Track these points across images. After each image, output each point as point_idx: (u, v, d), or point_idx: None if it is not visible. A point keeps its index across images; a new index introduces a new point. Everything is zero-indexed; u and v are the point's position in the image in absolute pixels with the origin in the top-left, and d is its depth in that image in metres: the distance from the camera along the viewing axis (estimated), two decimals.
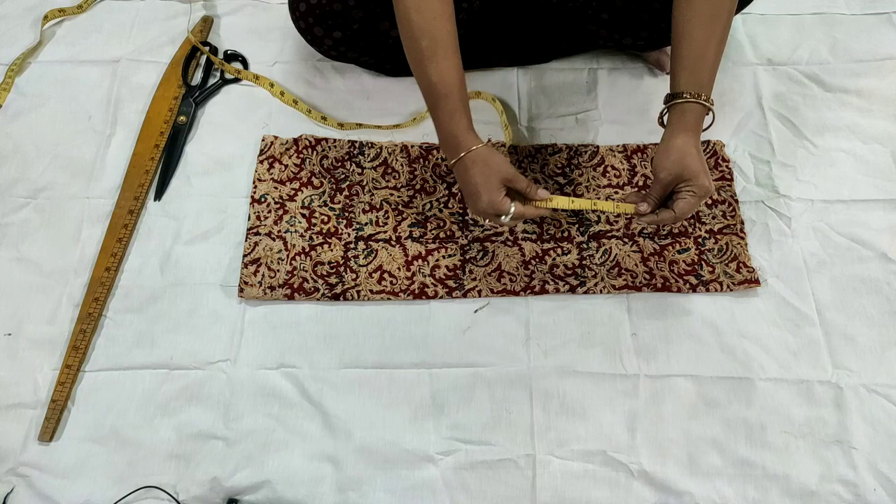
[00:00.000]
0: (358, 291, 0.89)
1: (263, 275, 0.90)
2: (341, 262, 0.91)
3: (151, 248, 0.93)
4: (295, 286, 0.89)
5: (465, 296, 0.90)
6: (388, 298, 0.89)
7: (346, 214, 0.95)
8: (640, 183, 0.97)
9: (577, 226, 0.94)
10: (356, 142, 1.00)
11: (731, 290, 0.89)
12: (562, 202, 0.81)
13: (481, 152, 0.76)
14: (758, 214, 0.95)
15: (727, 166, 0.98)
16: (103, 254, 0.92)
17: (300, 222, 0.94)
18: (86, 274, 0.91)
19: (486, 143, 0.78)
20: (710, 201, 0.96)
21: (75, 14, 1.12)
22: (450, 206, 0.95)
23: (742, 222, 0.94)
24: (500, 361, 0.86)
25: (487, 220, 0.80)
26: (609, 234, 0.93)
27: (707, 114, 0.76)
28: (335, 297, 0.89)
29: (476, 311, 0.89)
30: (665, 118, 0.79)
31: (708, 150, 0.99)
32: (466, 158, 0.76)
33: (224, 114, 1.05)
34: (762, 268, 0.91)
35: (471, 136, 0.77)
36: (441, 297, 0.89)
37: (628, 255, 0.91)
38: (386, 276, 0.90)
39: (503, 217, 0.77)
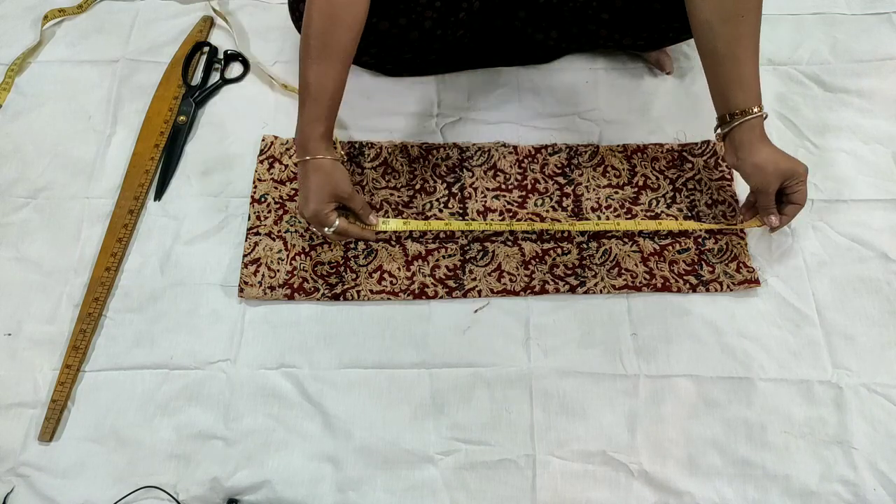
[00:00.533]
0: (358, 291, 0.89)
1: (263, 275, 0.90)
2: (341, 262, 0.91)
3: (151, 248, 0.93)
4: (295, 286, 0.89)
5: (465, 296, 0.90)
6: (388, 298, 0.89)
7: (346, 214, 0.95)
8: (640, 183, 0.97)
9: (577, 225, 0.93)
10: (356, 142, 1.00)
11: (731, 290, 0.89)
12: (393, 226, 0.88)
13: (325, 163, 0.79)
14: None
15: (727, 166, 0.98)
16: (103, 254, 0.92)
17: (300, 222, 0.94)
18: (86, 274, 0.91)
19: (335, 157, 0.80)
20: (710, 200, 0.96)
21: (75, 14, 1.12)
22: (450, 206, 0.95)
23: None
24: (500, 361, 0.86)
25: (312, 227, 0.84)
26: (609, 234, 0.93)
27: (765, 118, 0.80)
28: (335, 297, 0.89)
29: (476, 311, 0.89)
30: (724, 133, 0.83)
31: (708, 150, 0.99)
32: (310, 164, 0.79)
33: (224, 114, 1.05)
34: (762, 268, 0.91)
35: (321, 145, 0.79)
36: (441, 297, 0.89)
37: (628, 255, 0.91)
38: (386, 276, 0.90)
39: (326, 228, 0.81)
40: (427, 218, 0.94)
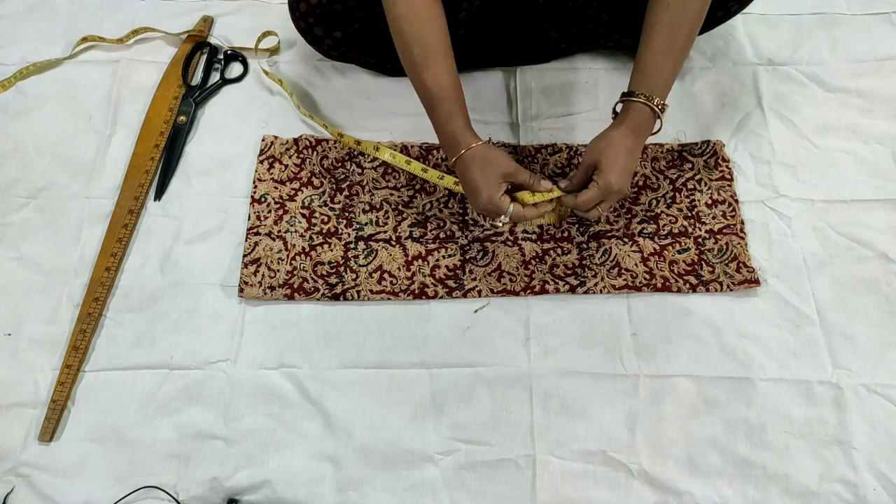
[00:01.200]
0: (358, 291, 0.89)
1: (263, 275, 0.90)
2: (341, 262, 0.91)
3: (151, 248, 0.93)
4: (295, 286, 0.89)
5: (465, 296, 0.90)
6: (388, 298, 0.89)
7: (347, 214, 0.95)
8: (640, 183, 0.97)
9: (576, 226, 0.93)
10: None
11: (731, 290, 0.89)
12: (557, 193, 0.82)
13: (479, 150, 0.77)
14: (758, 214, 0.95)
15: (727, 166, 0.98)
16: (103, 254, 0.92)
17: (300, 222, 0.94)
18: (86, 274, 0.91)
19: (485, 141, 0.79)
20: (710, 200, 0.95)
21: (112, 44, 1.10)
22: (450, 206, 0.95)
23: (742, 222, 0.94)
24: (500, 361, 0.86)
25: (489, 220, 0.80)
26: (609, 234, 0.93)
27: (656, 119, 0.78)
28: (335, 297, 0.89)
29: (476, 311, 0.89)
30: (614, 108, 0.81)
31: (708, 150, 0.99)
32: (466, 156, 0.77)
33: (224, 114, 1.05)
34: (762, 268, 0.91)
35: (468, 135, 0.78)
36: (441, 297, 0.89)
37: (628, 255, 0.91)
38: (386, 276, 0.90)
39: (502, 217, 0.78)
40: (427, 219, 0.94)
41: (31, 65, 1.07)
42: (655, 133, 0.81)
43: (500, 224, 0.80)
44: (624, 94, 0.80)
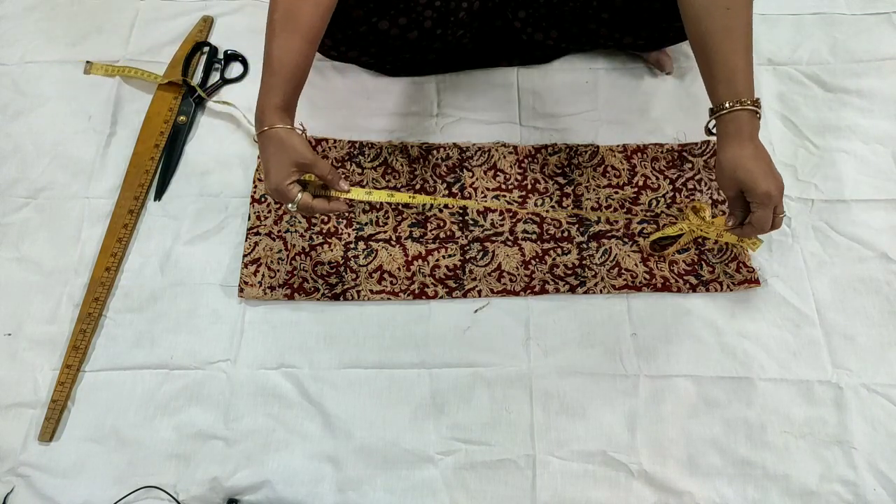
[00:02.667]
0: (358, 291, 0.89)
1: (263, 275, 0.90)
2: (341, 262, 0.91)
3: (151, 248, 0.93)
4: (295, 286, 0.89)
5: (465, 296, 0.90)
6: (388, 298, 0.89)
7: (347, 214, 0.95)
8: (640, 183, 0.97)
9: (576, 226, 0.93)
10: (356, 142, 1.00)
11: (731, 290, 0.89)
12: (359, 194, 0.80)
13: (280, 132, 0.74)
14: None
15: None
16: (103, 254, 0.92)
17: (300, 222, 0.94)
18: (86, 274, 0.91)
19: (293, 127, 0.76)
20: (710, 200, 0.95)
21: (110, 74, 1.07)
22: (450, 206, 0.95)
23: None
24: (500, 361, 0.86)
25: (278, 203, 0.77)
26: (609, 234, 0.93)
27: (757, 116, 0.75)
28: (335, 297, 0.89)
29: (476, 311, 0.89)
30: (710, 128, 0.79)
31: (708, 150, 0.99)
32: (266, 135, 0.74)
33: (224, 114, 1.05)
34: (762, 268, 0.91)
35: (276, 115, 0.74)
36: (441, 297, 0.89)
37: (628, 255, 0.91)
38: (386, 276, 0.90)
39: (289, 204, 0.75)
40: (427, 219, 0.94)
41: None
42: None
43: (291, 209, 0.76)
44: (715, 109, 0.77)
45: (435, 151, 1.00)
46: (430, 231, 0.93)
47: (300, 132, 0.76)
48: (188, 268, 0.92)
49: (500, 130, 1.02)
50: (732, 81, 0.75)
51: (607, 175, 0.98)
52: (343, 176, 0.78)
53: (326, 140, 1.00)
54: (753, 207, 0.74)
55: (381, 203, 0.95)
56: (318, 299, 0.89)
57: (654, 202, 0.96)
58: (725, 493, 0.79)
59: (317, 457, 0.81)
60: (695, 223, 0.88)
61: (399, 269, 0.91)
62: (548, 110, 1.05)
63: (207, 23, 1.13)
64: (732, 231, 0.79)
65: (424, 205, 0.95)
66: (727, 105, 0.74)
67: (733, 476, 0.80)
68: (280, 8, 0.75)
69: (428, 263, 0.91)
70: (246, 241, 0.92)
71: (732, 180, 0.75)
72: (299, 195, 0.75)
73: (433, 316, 0.89)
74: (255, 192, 0.96)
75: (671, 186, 0.97)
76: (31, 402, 0.84)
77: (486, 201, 0.94)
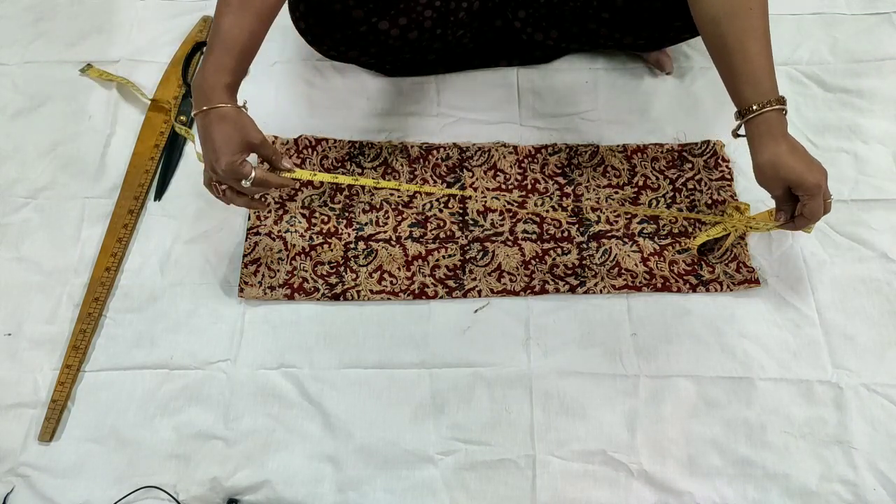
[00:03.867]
0: (358, 291, 0.89)
1: (263, 275, 0.90)
2: (341, 262, 0.91)
3: (151, 248, 0.93)
4: (295, 286, 0.89)
5: (465, 296, 0.90)
6: (388, 298, 0.89)
7: (346, 214, 0.95)
8: (640, 183, 0.97)
9: (577, 226, 0.93)
10: (356, 142, 1.00)
11: (731, 290, 0.89)
12: (304, 175, 0.79)
13: (230, 111, 0.73)
14: None
15: (727, 166, 0.98)
16: (103, 254, 0.92)
17: (300, 222, 0.94)
18: (86, 274, 0.91)
19: (240, 105, 0.75)
20: (710, 200, 0.95)
21: (107, 79, 1.07)
22: (450, 206, 0.95)
23: None
24: (500, 361, 0.86)
25: (225, 183, 0.75)
26: (609, 234, 0.93)
27: (784, 113, 0.75)
28: (335, 297, 0.89)
29: (476, 311, 0.89)
30: (741, 132, 0.78)
31: (708, 150, 0.99)
32: (213, 114, 0.72)
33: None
34: (762, 268, 0.91)
35: (225, 94, 0.73)
36: (441, 297, 0.89)
37: (628, 255, 0.91)
38: (386, 276, 0.90)
39: (244, 181, 0.73)
40: (427, 219, 0.94)
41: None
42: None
43: (245, 184, 0.73)
44: (742, 113, 0.76)
45: (435, 151, 1.00)
46: (430, 231, 0.93)
47: (245, 111, 0.74)
48: (188, 268, 0.92)
49: (500, 130, 1.02)
50: (760, 82, 0.75)
51: (607, 175, 0.98)
52: (285, 156, 0.76)
53: (326, 140, 1.00)
54: (804, 200, 0.75)
55: (382, 203, 0.95)
56: (318, 299, 0.89)
57: (654, 202, 0.96)
58: (725, 493, 0.79)
59: (317, 457, 0.81)
60: (742, 222, 0.88)
61: (399, 269, 0.91)
62: (548, 110, 1.05)
63: (207, 23, 1.13)
64: (785, 227, 0.80)
65: (426, 205, 0.95)
66: (755, 107, 0.74)
67: (733, 476, 0.80)
68: None
69: (428, 263, 0.91)
70: (246, 241, 0.92)
71: (777, 180, 0.75)
72: (253, 172, 0.73)
73: (433, 316, 0.89)
74: None
75: (671, 186, 0.97)
76: (31, 402, 0.84)
77: (438, 189, 0.94)
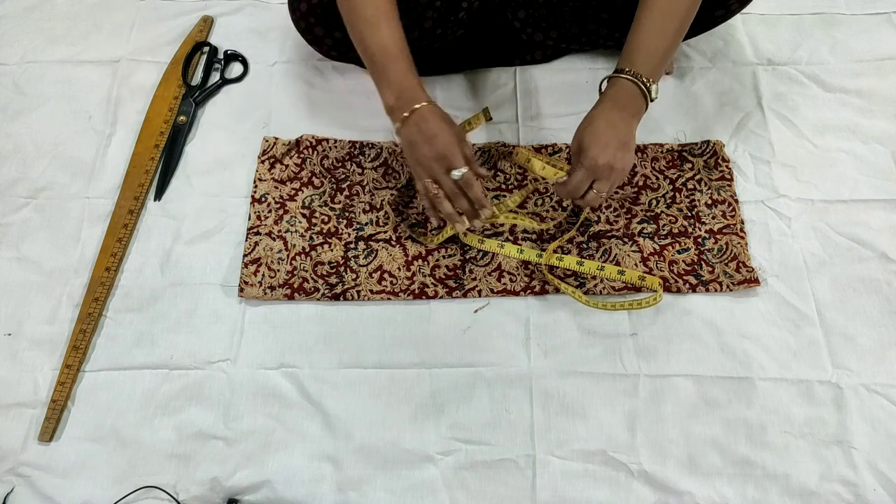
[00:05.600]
0: (358, 291, 0.89)
1: (263, 275, 0.90)
2: (341, 262, 0.91)
3: (151, 248, 0.93)
4: (295, 286, 0.89)
5: (465, 296, 0.90)
6: (388, 298, 0.89)
7: (347, 214, 0.95)
8: (640, 183, 0.97)
9: (577, 225, 0.93)
10: (357, 142, 1.00)
11: (731, 290, 0.89)
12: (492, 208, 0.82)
13: (437, 109, 0.75)
14: (758, 214, 0.95)
15: (727, 166, 0.98)
16: (103, 254, 0.92)
17: (300, 222, 0.94)
18: (86, 274, 0.91)
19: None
20: (710, 200, 0.95)
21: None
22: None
23: (742, 222, 0.94)
24: (500, 361, 0.86)
25: (428, 183, 0.76)
26: (609, 234, 0.93)
27: (646, 100, 0.76)
28: (335, 297, 0.89)
29: (476, 311, 0.89)
30: (600, 86, 0.80)
31: (708, 150, 0.99)
32: (422, 110, 0.74)
33: (224, 114, 1.05)
34: (762, 268, 0.91)
35: (423, 93, 0.76)
36: (441, 297, 0.89)
37: (628, 255, 0.91)
38: (386, 276, 0.90)
39: (454, 172, 0.74)
40: (427, 219, 0.94)
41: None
42: (648, 107, 0.79)
43: (457, 175, 0.75)
44: (611, 75, 0.78)
45: None
46: (431, 231, 0.93)
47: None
48: (188, 268, 0.92)
49: (500, 130, 1.02)
50: (639, 55, 0.76)
51: None
52: (483, 167, 0.79)
53: (327, 140, 1.00)
54: (575, 168, 0.75)
55: (382, 203, 0.95)
56: (318, 299, 0.89)
57: (654, 202, 0.96)
58: (725, 493, 0.79)
59: (317, 457, 0.81)
60: (540, 161, 0.84)
61: (399, 269, 0.91)
62: (548, 110, 1.05)
63: (207, 23, 1.13)
64: (557, 188, 0.80)
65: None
66: (625, 70, 0.75)
67: (733, 476, 0.80)
68: (365, 6, 0.76)
69: (428, 263, 0.91)
70: (246, 240, 0.92)
71: (582, 133, 0.75)
72: (464, 168, 0.74)
73: (433, 316, 0.89)
74: (255, 192, 0.96)
75: (671, 186, 0.97)
76: (31, 402, 0.84)
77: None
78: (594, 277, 0.90)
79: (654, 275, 0.90)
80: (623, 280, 0.88)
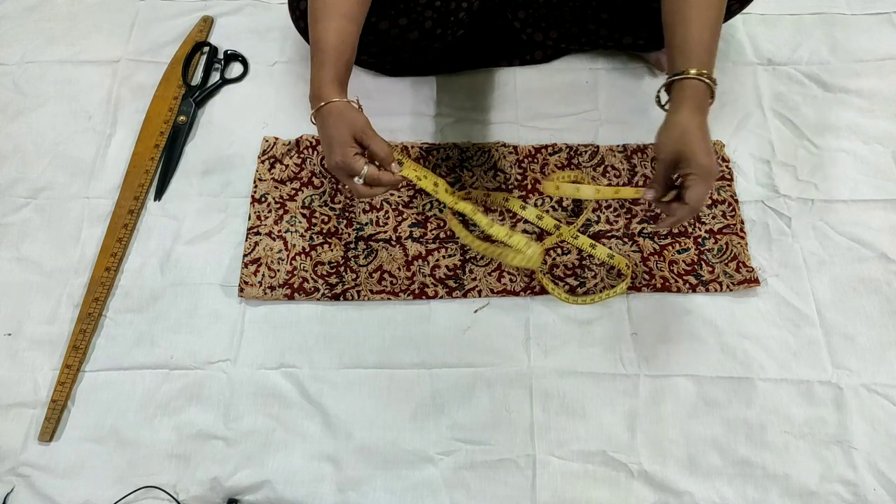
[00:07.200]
0: (358, 291, 0.89)
1: (263, 275, 0.90)
2: (341, 262, 0.91)
3: (151, 248, 0.93)
4: (295, 286, 0.89)
5: (465, 296, 0.90)
6: (388, 298, 0.89)
7: (347, 214, 0.95)
8: (640, 183, 0.97)
9: (577, 226, 0.93)
10: None
11: (731, 290, 0.89)
12: (410, 174, 0.78)
13: (339, 105, 0.74)
14: (758, 214, 0.95)
15: (727, 166, 0.98)
16: (103, 254, 0.92)
17: (300, 222, 0.94)
18: (86, 274, 0.91)
19: (349, 100, 0.76)
20: (710, 200, 0.95)
21: None
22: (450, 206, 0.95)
23: (742, 222, 0.94)
24: (500, 361, 0.86)
25: (346, 186, 0.76)
26: (609, 234, 0.93)
27: (712, 95, 0.74)
28: (335, 297, 0.89)
29: (476, 311, 0.89)
30: (663, 100, 0.76)
31: None
32: (324, 110, 0.74)
33: (224, 114, 1.05)
34: (762, 267, 0.91)
35: (333, 90, 0.75)
36: (441, 297, 0.89)
37: (628, 255, 0.91)
38: (386, 276, 0.90)
39: (356, 178, 0.74)
40: (427, 219, 0.94)
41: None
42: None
43: (357, 192, 0.75)
44: (676, 74, 0.74)
45: (435, 151, 0.99)
46: (430, 231, 0.93)
47: (356, 107, 0.76)
48: (188, 268, 0.92)
49: (500, 130, 1.02)
50: (694, 51, 0.74)
51: (607, 175, 0.98)
52: (400, 158, 0.78)
53: None
54: (690, 181, 0.70)
55: (382, 203, 0.95)
56: (318, 299, 0.89)
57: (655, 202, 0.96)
58: (725, 493, 0.79)
59: (317, 457, 0.81)
60: (604, 191, 0.82)
61: (399, 269, 0.91)
62: (548, 110, 1.05)
63: (207, 23, 1.13)
64: (660, 206, 0.74)
65: (425, 205, 0.95)
66: (692, 71, 0.72)
67: (733, 476, 0.80)
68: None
69: (428, 263, 0.91)
70: (246, 240, 0.92)
71: (677, 142, 0.71)
72: (365, 167, 0.73)
73: (433, 316, 0.89)
74: (255, 192, 0.96)
75: None
76: (31, 402, 0.84)
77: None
78: (595, 276, 0.90)
79: (653, 274, 0.90)
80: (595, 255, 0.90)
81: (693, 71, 0.72)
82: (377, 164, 0.75)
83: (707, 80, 0.73)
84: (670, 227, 0.85)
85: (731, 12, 0.97)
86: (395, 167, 0.76)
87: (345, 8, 0.77)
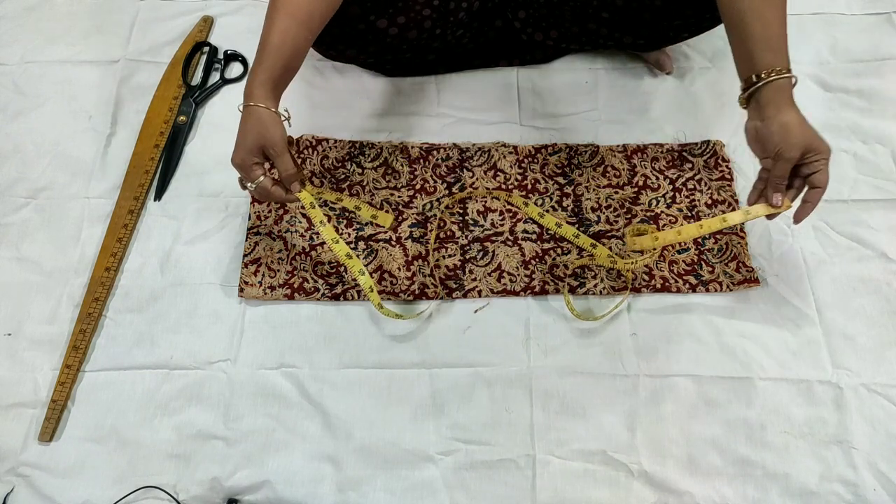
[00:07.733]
0: (358, 291, 0.89)
1: (263, 275, 0.90)
2: (341, 262, 0.91)
3: (151, 248, 0.93)
4: (295, 286, 0.89)
5: (465, 296, 0.90)
6: (388, 298, 0.89)
7: (347, 214, 0.95)
8: (640, 183, 0.97)
9: (577, 226, 0.93)
10: (357, 142, 1.00)
11: (731, 290, 0.89)
12: (306, 199, 0.80)
13: (261, 111, 0.75)
14: None
15: (727, 166, 0.98)
16: (103, 254, 0.92)
17: (300, 222, 0.94)
18: (86, 274, 0.91)
19: (277, 111, 0.76)
20: (710, 200, 0.95)
21: None
22: (450, 206, 0.95)
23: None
24: (500, 361, 0.86)
25: (247, 184, 0.78)
26: (609, 234, 0.93)
27: (793, 85, 0.76)
28: (335, 297, 0.89)
29: (476, 311, 0.89)
30: (750, 94, 0.77)
31: (708, 150, 0.99)
32: (246, 110, 0.76)
33: (224, 114, 1.05)
34: (762, 267, 0.91)
35: (261, 92, 0.75)
36: (441, 298, 0.89)
37: (628, 255, 0.91)
38: (386, 276, 0.90)
39: (249, 184, 0.77)
40: (427, 219, 0.94)
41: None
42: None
43: (250, 188, 0.78)
44: (754, 78, 0.75)
45: (435, 151, 1.00)
46: (431, 231, 0.93)
47: (283, 118, 0.77)
48: (188, 268, 0.92)
49: (500, 130, 1.02)
50: (778, 49, 0.75)
51: (607, 175, 0.98)
52: (301, 178, 0.80)
53: (327, 140, 1.00)
54: (815, 166, 0.75)
55: (382, 203, 0.95)
56: (318, 299, 0.89)
57: (654, 202, 0.96)
58: (725, 493, 0.79)
59: (317, 457, 0.81)
60: (738, 217, 0.82)
61: (399, 269, 0.91)
62: (548, 110, 1.05)
63: (207, 23, 1.13)
64: (776, 203, 0.78)
65: (426, 205, 0.95)
66: (774, 71, 0.74)
67: (733, 476, 0.80)
68: None
69: (428, 264, 0.91)
70: (246, 240, 0.92)
71: (802, 139, 0.74)
72: (261, 177, 0.76)
73: (433, 316, 0.89)
74: None
75: (671, 186, 0.97)
76: (31, 402, 0.84)
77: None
78: (595, 276, 0.90)
79: (653, 274, 0.90)
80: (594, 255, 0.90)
81: (782, 70, 0.74)
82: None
83: (792, 76, 0.75)
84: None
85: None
86: (295, 187, 0.79)
87: (293, 9, 0.76)
